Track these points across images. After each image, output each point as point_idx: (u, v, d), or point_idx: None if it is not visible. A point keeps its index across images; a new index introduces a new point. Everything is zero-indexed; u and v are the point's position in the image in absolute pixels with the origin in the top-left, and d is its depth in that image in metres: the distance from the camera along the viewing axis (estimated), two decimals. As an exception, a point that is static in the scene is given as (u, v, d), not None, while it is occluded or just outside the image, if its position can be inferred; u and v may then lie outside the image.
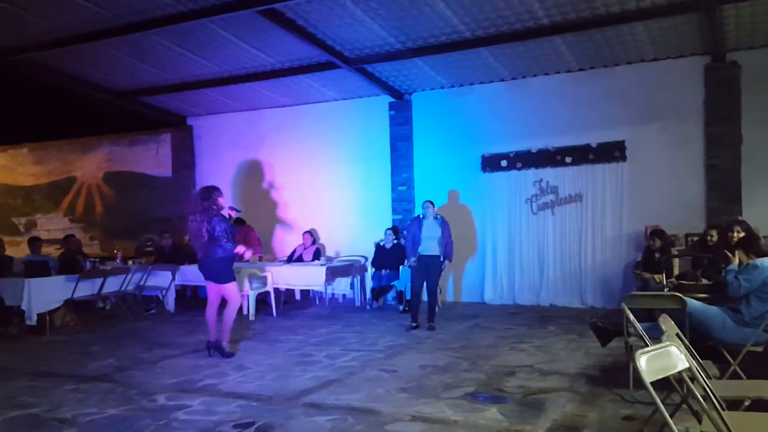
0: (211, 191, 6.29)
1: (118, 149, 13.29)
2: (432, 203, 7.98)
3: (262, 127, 11.74)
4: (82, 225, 13.53)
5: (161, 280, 9.52)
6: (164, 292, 9.56)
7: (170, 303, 9.64)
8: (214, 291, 6.45)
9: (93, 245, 13.05)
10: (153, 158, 12.83)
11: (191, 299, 10.28)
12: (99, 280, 8.61)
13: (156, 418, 4.45)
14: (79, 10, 7.39)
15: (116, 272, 8.97)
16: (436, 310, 8.09)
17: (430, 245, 7.73)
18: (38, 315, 7.91)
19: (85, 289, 8.50)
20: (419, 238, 7.78)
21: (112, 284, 8.87)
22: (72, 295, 8.26)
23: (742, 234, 5.69)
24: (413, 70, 9.55)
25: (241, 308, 7.28)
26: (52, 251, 10.52)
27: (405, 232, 8.99)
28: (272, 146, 11.65)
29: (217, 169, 11.89)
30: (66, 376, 5.81)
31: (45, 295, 8.03)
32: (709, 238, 7.04)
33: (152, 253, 11.00)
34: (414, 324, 7.79)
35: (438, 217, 7.92)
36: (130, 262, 9.79)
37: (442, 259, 7.78)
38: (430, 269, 7.75)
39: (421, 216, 7.96)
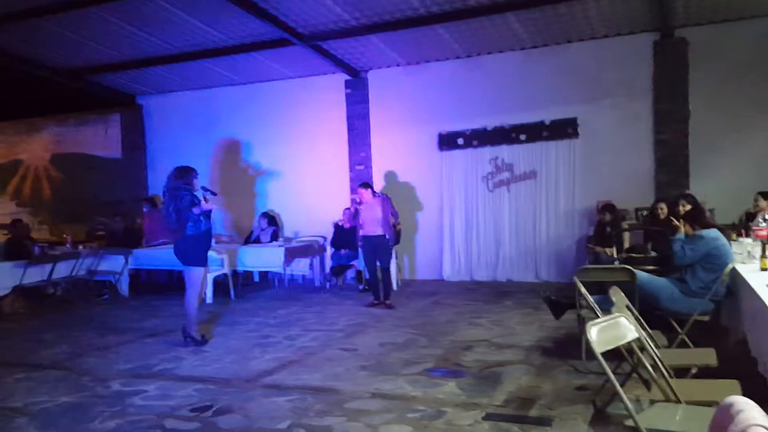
0: (188, 170, 6.07)
1: (65, 130, 12.85)
2: (365, 186, 7.93)
3: (215, 105, 11.48)
4: (29, 209, 13.08)
5: (114, 264, 9.29)
6: (117, 276, 9.34)
7: (124, 288, 9.43)
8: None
9: (42, 230, 12.64)
10: (102, 139, 12.45)
11: (146, 283, 10.06)
12: (48, 266, 8.37)
13: (110, 405, 4.37)
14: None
15: (66, 257, 8.73)
16: (393, 288, 8.15)
17: (372, 226, 7.77)
18: (-15, 303, 7.65)
19: (35, 275, 8.26)
20: (359, 224, 7.92)
21: (63, 269, 8.65)
22: (20, 281, 8.01)
23: (689, 207, 5.86)
24: (369, 48, 9.46)
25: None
26: (-2, 237, 10.14)
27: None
28: (226, 125, 11.42)
29: (170, 149, 11.60)
30: (16, 364, 5.65)
31: (-8, 282, 7.77)
32: (659, 211, 7.24)
33: (103, 236, 10.71)
34: (376, 301, 7.87)
35: (379, 195, 7.99)
36: (80, 247, 9.52)
37: (387, 237, 7.79)
38: (377, 249, 7.80)
39: (358, 203, 7.98)
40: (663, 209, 7.15)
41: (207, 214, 6.07)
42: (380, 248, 7.80)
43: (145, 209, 10.65)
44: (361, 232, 8.02)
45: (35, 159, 13.11)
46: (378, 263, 7.89)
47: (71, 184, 12.69)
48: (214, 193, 6.30)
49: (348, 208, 9.85)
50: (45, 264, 8.39)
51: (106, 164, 12.37)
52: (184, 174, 6.04)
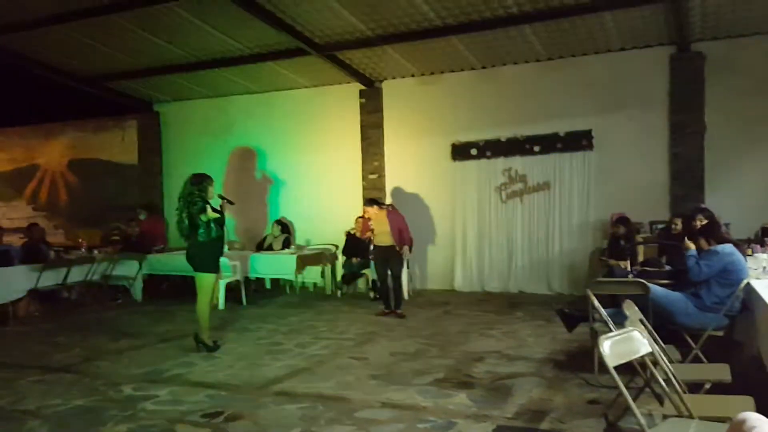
0: (203, 177, 6.10)
1: (83, 136, 13.01)
2: (370, 203, 8.16)
3: (231, 113, 11.59)
4: (46, 213, 13.23)
5: (128, 269, 9.38)
6: (131, 281, 9.41)
7: (137, 292, 9.51)
8: None
9: (57, 234, 12.77)
10: (119, 145, 12.59)
11: (159, 288, 10.13)
12: (63, 270, 8.45)
13: (122, 409, 4.41)
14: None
15: (81, 261, 8.82)
16: (404, 297, 8.16)
17: (383, 238, 7.88)
18: (1, 305, 7.73)
19: (50, 278, 8.35)
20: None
21: (77, 274, 8.72)
22: (36, 284, 8.09)
23: (705, 221, 5.82)
24: (384, 58, 9.52)
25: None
26: (15, 240, 10.26)
27: None
28: (241, 133, 11.52)
29: (185, 156, 11.71)
30: (30, 367, 5.71)
31: (7, 285, 7.89)
32: (673, 226, 7.19)
33: (119, 242, 10.81)
34: (387, 310, 7.88)
35: (384, 207, 8.12)
36: (95, 251, 9.61)
37: (398, 248, 7.85)
38: (389, 258, 7.87)
39: (366, 218, 8.18)
40: (677, 224, 7.10)
41: (220, 221, 6.11)
42: (391, 258, 7.84)
43: (141, 217, 10.73)
44: (373, 242, 8.11)
45: (53, 163, 13.28)
46: (389, 272, 7.90)
47: (88, 189, 12.83)
48: (231, 202, 6.32)
49: (362, 216, 9.87)
50: (60, 268, 8.47)
51: (122, 170, 12.51)
52: (199, 180, 6.07)
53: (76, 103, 12.00)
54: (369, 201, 8.33)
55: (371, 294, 9.29)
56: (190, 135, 11.95)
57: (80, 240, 10.27)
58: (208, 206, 6.00)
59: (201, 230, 5.95)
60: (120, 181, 12.49)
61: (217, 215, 6.09)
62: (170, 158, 12.19)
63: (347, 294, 9.74)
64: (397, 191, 10.31)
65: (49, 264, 8.41)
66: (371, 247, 8.30)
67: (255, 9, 7.60)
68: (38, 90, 11.50)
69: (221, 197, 6.25)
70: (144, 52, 9.44)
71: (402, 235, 7.90)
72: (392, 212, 8.06)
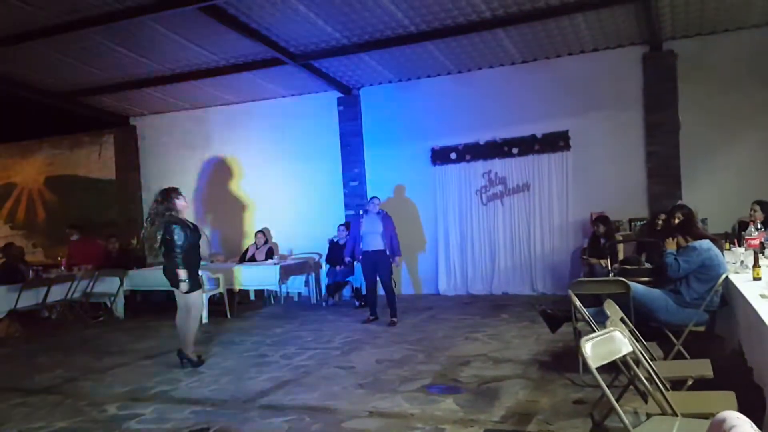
0: (168, 192, 5.99)
1: (59, 153, 12.85)
2: (377, 199, 8.05)
3: (210, 125, 11.53)
4: (23, 232, 13.04)
5: (109, 286, 9.26)
6: (113, 298, 9.30)
7: (119, 309, 9.40)
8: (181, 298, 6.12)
9: (36, 252, 12.60)
10: (96, 161, 12.45)
11: (141, 304, 10.02)
12: (43, 289, 8.33)
13: (107, 429, 4.35)
14: (11, 10, 7.07)
15: (61, 280, 8.70)
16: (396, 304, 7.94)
17: (373, 240, 7.73)
18: (-21, 328, 7.60)
19: (29, 298, 8.23)
20: (359, 235, 7.85)
21: (58, 293, 8.61)
22: (15, 305, 7.97)
23: (682, 218, 5.89)
24: (360, 65, 9.54)
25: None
26: (-8, 261, 10.09)
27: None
28: (220, 145, 11.46)
29: (164, 169, 11.63)
30: (12, 389, 5.61)
31: (-14, 306, 7.73)
32: (659, 222, 7.25)
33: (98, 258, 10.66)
34: (372, 317, 7.84)
35: (381, 212, 7.96)
36: (75, 269, 9.48)
37: (388, 254, 7.75)
38: (377, 264, 7.76)
39: (362, 212, 8.01)
40: (662, 220, 7.16)
41: (196, 236, 6.05)
42: (380, 264, 7.75)
43: (73, 238, 10.48)
44: (361, 247, 7.88)
45: (29, 181, 13.10)
46: (379, 278, 7.83)
47: (66, 206, 12.66)
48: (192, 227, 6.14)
49: (342, 224, 9.86)
50: (40, 287, 8.35)
51: (100, 186, 12.37)
52: (165, 197, 5.96)
53: (51, 119, 11.85)
54: (376, 197, 8.20)
55: (356, 302, 9.28)
56: (169, 148, 11.86)
57: (59, 258, 10.13)
58: (177, 228, 5.86)
59: (178, 250, 5.87)
60: (98, 197, 12.35)
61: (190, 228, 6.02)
62: (149, 172, 12.09)
63: (333, 304, 9.68)
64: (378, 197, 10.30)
65: (28, 284, 8.28)
66: (360, 251, 7.93)
67: (229, 20, 7.57)
68: (12, 108, 11.31)
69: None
70: (118, 67, 9.35)
71: (392, 242, 7.80)
72: (386, 217, 7.93)
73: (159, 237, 5.92)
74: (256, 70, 9.49)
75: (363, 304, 9.10)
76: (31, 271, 9.10)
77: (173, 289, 6.05)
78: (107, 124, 12.14)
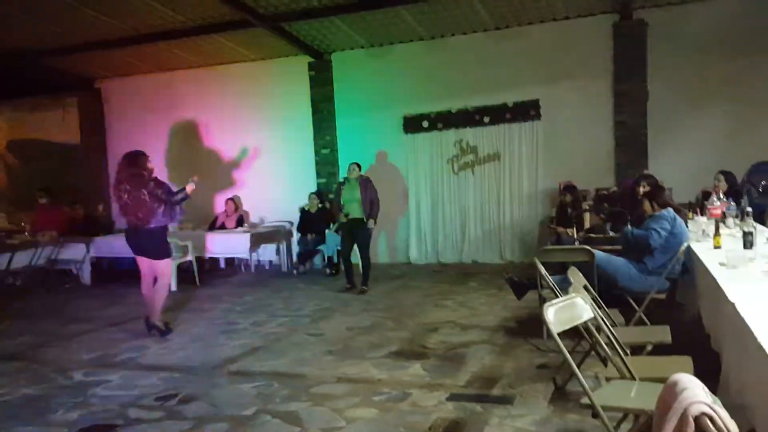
0: (139, 156, 5.86)
1: (20, 116, 12.41)
2: (356, 165, 7.87)
3: (177, 88, 11.25)
4: (-15, 197, 12.68)
5: (75, 252, 9.11)
6: (79, 265, 9.15)
7: (86, 276, 9.26)
8: (146, 266, 6.01)
9: (-1, 218, 12.28)
10: (59, 124, 12.08)
11: (108, 272, 9.89)
12: (7, 255, 8.15)
13: (73, 396, 4.32)
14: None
15: (24, 246, 8.51)
16: (369, 273, 7.90)
17: (351, 207, 7.67)
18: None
19: (-8, 264, 8.05)
20: (340, 203, 7.78)
21: (22, 259, 8.42)
22: (-24, 272, 7.80)
23: (648, 188, 5.97)
24: (331, 29, 9.37)
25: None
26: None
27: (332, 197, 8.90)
28: (188, 109, 11.22)
29: (130, 133, 11.36)
30: (-26, 357, 5.53)
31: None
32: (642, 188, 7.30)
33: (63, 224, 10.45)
34: (348, 285, 7.83)
35: (360, 178, 7.78)
36: (39, 235, 9.28)
37: (365, 220, 7.70)
38: (353, 232, 7.72)
39: (343, 180, 7.94)
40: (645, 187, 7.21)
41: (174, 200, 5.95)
42: (357, 231, 7.67)
43: (41, 201, 10.18)
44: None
45: (-10, 145, 12.70)
46: (356, 246, 7.78)
47: (29, 171, 12.30)
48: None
49: (313, 193, 9.81)
50: (3, 253, 8.17)
51: (64, 150, 12.02)
52: (135, 161, 5.82)
53: (12, 80, 11.40)
54: (355, 164, 7.90)
55: (327, 270, 9.29)
56: (134, 112, 11.58)
57: (23, 224, 9.89)
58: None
59: (163, 216, 5.79)
60: (62, 161, 12.00)
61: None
62: (114, 136, 11.82)
63: (304, 273, 9.66)
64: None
65: (-10, 250, 8.11)
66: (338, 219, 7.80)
67: (196, -20, 7.36)
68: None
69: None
70: (82, 26, 9.02)
71: (372, 207, 7.65)
72: (367, 182, 7.74)
73: (146, 197, 5.70)
74: (225, 32, 9.28)
75: (334, 272, 9.12)
76: (-7, 237, 8.89)
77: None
78: (71, 86, 11.76)
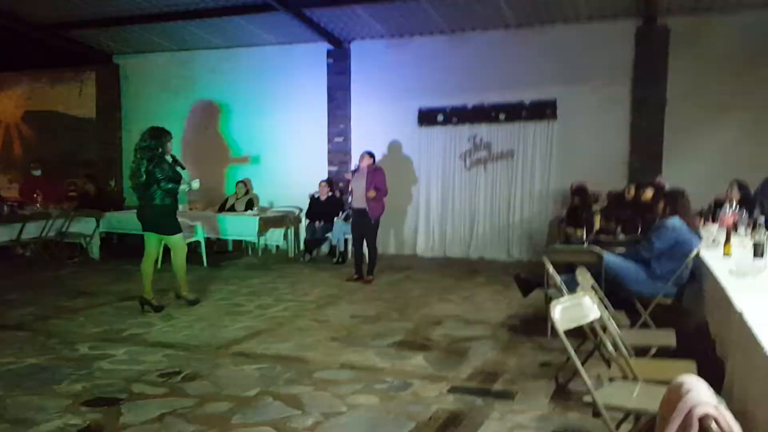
0: (164, 133, 5.92)
1: (39, 87, 12.51)
2: (367, 154, 7.70)
3: (194, 69, 11.28)
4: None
5: (85, 226, 9.17)
6: (88, 239, 9.22)
7: (95, 251, 9.33)
8: (153, 243, 6.07)
9: (12, 188, 12.37)
10: (76, 98, 12.16)
11: (117, 247, 9.96)
12: (18, 225, 8.23)
13: (78, 368, 4.37)
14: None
15: (35, 217, 8.60)
16: (375, 263, 7.87)
17: (357, 198, 7.62)
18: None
19: (3, 234, 8.15)
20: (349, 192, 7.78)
21: (32, 230, 8.50)
22: (-12, 240, 7.88)
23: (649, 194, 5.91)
24: (353, 18, 9.35)
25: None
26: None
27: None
28: (205, 89, 11.23)
29: (145, 111, 11.36)
30: (-19, 323, 5.59)
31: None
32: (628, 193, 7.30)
33: (75, 198, 10.54)
34: (356, 276, 7.82)
35: (371, 167, 7.60)
36: (51, 207, 9.36)
37: (367, 211, 7.49)
38: (358, 223, 7.73)
39: (355, 168, 7.92)
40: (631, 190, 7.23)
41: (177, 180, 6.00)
42: (361, 223, 7.64)
43: (35, 173, 10.32)
44: (351, 203, 7.79)
45: (7, 115, 12.78)
46: (362, 237, 7.75)
47: (43, 142, 12.41)
48: (182, 167, 6.16)
49: (324, 180, 9.82)
50: (14, 223, 8.24)
51: (79, 124, 12.11)
52: (159, 135, 5.90)
53: (32, 52, 11.47)
54: (366, 153, 7.72)
55: (334, 258, 9.31)
56: (151, 89, 11.61)
57: (35, 195, 9.97)
58: (177, 175, 5.92)
59: (159, 192, 5.83)
60: (77, 135, 12.10)
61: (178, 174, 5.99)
62: (130, 113, 11.86)
63: (310, 259, 9.67)
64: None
65: (3, 219, 8.17)
66: (349, 207, 7.71)
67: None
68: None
69: (175, 160, 6.09)
70: (104, 1, 9.06)
71: (378, 193, 7.46)
72: (375, 172, 7.57)
73: (144, 171, 5.78)
74: (246, 14, 9.28)
75: (341, 260, 9.14)
76: (5, 207, 8.97)
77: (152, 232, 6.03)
78: (90, 60, 11.81)
